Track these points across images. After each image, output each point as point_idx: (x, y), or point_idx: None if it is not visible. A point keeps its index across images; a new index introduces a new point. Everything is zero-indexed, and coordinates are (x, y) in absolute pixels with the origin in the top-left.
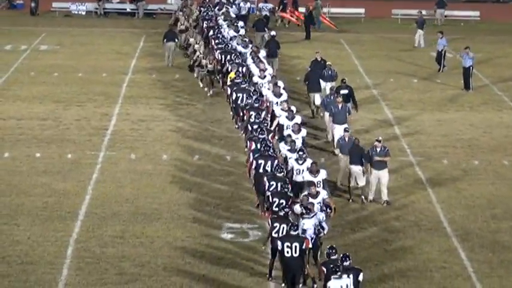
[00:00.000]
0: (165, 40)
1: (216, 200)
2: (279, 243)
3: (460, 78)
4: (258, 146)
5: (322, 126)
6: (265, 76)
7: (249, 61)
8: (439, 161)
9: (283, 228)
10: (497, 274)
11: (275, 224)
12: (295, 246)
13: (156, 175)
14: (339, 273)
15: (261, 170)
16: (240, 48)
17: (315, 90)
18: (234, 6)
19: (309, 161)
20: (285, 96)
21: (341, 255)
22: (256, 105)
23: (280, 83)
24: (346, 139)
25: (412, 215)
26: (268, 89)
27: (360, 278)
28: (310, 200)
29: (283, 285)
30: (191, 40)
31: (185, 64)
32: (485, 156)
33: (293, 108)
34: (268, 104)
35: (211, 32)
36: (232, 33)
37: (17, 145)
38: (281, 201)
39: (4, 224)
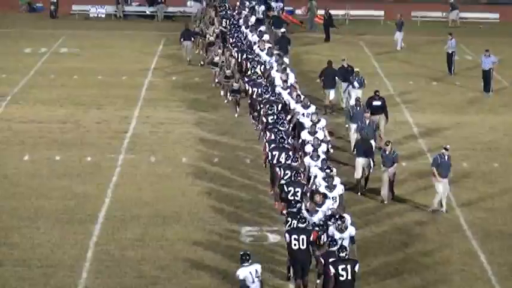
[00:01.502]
0: (182, 39)
1: (235, 203)
2: (287, 235)
3: (480, 81)
4: (274, 136)
5: (343, 134)
6: (288, 87)
7: (274, 70)
8: (458, 163)
9: (294, 223)
10: None
11: (288, 219)
12: (303, 239)
13: (175, 178)
14: (250, 261)
15: (275, 161)
16: (264, 55)
17: (330, 86)
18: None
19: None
20: (313, 108)
21: (338, 247)
22: (273, 98)
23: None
24: (387, 152)
25: (432, 217)
26: (293, 99)
27: (356, 268)
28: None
29: (290, 275)
30: (216, 59)
31: (204, 67)
32: (505, 159)
33: (323, 120)
34: (293, 114)
35: (227, 29)
36: (255, 38)
37: (37, 148)
38: (296, 189)
39: (25, 227)
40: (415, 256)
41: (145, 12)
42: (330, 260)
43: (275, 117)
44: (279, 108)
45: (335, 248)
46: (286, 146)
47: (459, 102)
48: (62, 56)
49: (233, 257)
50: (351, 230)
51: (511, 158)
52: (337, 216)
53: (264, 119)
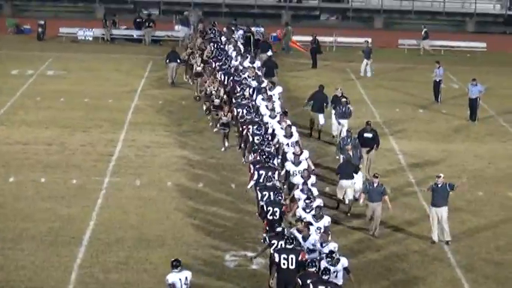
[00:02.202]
0: (167, 61)
1: (220, 228)
2: (276, 255)
3: (466, 109)
4: (259, 156)
5: (330, 165)
6: (275, 116)
7: (259, 99)
8: None
9: (281, 244)
10: None
11: (273, 241)
12: (292, 258)
13: (160, 202)
14: (179, 267)
15: (261, 180)
16: (253, 83)
17: (319, 110)
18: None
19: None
20: (296, 137)
21: (322, 268)
22: (257, 119)
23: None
24: (374, 185)
25: (416, 245)
26: (281, 128)
27: None
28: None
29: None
30: (208, 89)
31: (191, 91)
32: (490, 188)
33: (306, 152)
34: (278, 144)
35: (211, 51)
36: (246, 64)
37: (22, 170)
38: (275, 209)
39: (8, 249)
40: (399, 284)
41: (132, 35)
42: (309, 281)
43: (261, 138)
44: (264, 129)
45: (313, 269)
46: (272, 165)
47: (445, 131)
48: (48, 78)
49: (216, 281)
50: (344, 262)
51: (496, 187)
52: (327, 252)
53: (251, 138)
